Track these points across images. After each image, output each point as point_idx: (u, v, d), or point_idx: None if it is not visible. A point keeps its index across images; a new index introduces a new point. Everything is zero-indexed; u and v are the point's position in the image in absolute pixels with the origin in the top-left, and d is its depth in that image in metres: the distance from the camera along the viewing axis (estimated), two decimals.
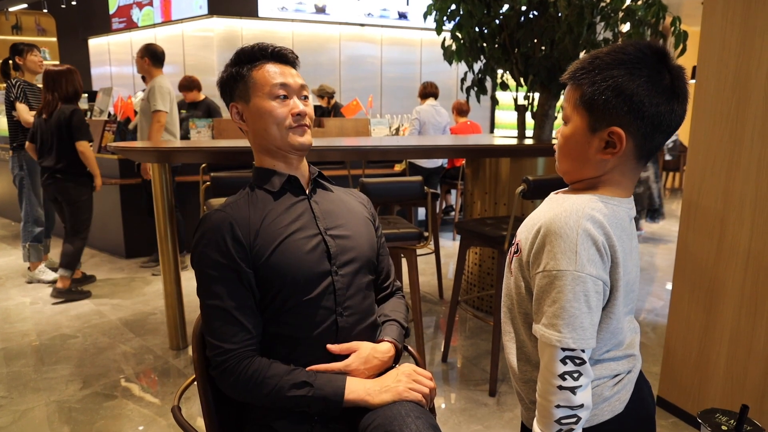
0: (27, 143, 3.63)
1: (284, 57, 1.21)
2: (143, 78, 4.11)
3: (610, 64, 0.89)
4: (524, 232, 0.97)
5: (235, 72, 1.19)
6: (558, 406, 0.89)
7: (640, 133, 0.90)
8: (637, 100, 0.88)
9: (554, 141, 3.29)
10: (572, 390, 0.88)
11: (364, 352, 1.15)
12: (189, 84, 5.03)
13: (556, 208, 0.91)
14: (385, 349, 1.19)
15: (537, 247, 0.91)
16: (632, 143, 0.91)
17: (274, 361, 1.10)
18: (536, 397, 0.93)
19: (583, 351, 0.88)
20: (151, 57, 3.89)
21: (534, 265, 0.92)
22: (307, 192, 1.23)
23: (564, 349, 0.87)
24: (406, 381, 1.12)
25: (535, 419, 0.94)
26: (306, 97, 1.22)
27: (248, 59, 1.19)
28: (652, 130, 0.90)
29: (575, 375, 0.88)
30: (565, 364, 0.88)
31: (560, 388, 0.88)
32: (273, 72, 1.18)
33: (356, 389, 1.08)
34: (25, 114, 3.69)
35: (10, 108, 3.74)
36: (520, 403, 1.07)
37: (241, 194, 1.21)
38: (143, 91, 4.13)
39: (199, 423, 2.14)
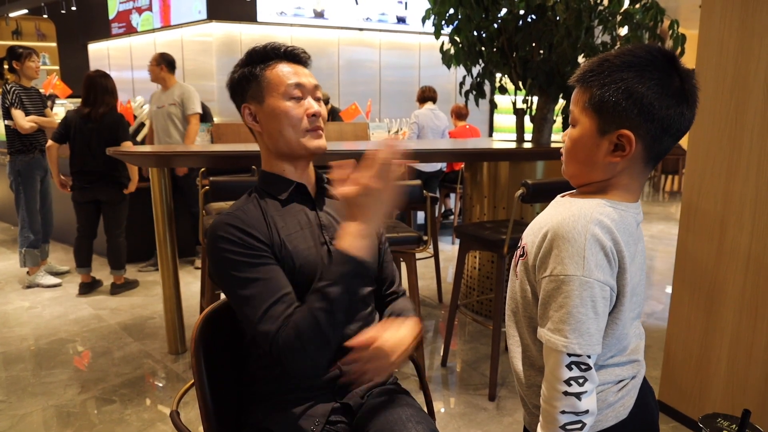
0: (50, 142, 3.62)
1: (297, 57, 1.19)
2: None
3: (620, 67, 0.88)
4: (530, 236, 0.96)
5: (247, 72, 1.17)
6: (563, 412, 0.88)
7: (649, 136, 0.89)
8: (648, 103, 0.87)
9: (554, 144, 3.29)
10: (577, 396, 0.87)
11: (387, 341, 1.07)
12: None
13: (563, 212, 0.91)
14: (410, 324, 1.14)
15: (544, 251, 0.91)
16: (641, 146, 0.90)
17: (301, 307, 1.04)
18: (540, 402, 0.92)
19: (588, 357, 0.87)
20: (168, 65, 4.12)
21: (540, 269, 0.91)
22: (313, 200, 1.23)
23: (570, 355, 0.87)
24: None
25: (539, 424, 0.93)
26: (319, 98, 1.20)
27: (261, 59, 1.17)
28: (661, 133, 0.90)
29: (581, 381, 0.87)
30: (570, 369, 0.87)
31: (565, 393, 0.87)
32: (287, 72, 1.16)
33: (345, 243, 1.02)
34: (21, 120, 3.66)
35: (5, 114, 3.71)
36: (523, 407, 1.06)
37: (248, 199, 1.18)
38: (152, 97, 4.20)
39: (198, 427, 2.13)
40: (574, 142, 0.95)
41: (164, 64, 4.09)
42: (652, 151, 0.92)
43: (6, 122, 3.70)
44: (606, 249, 0.87)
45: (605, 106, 0.89)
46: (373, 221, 1.02)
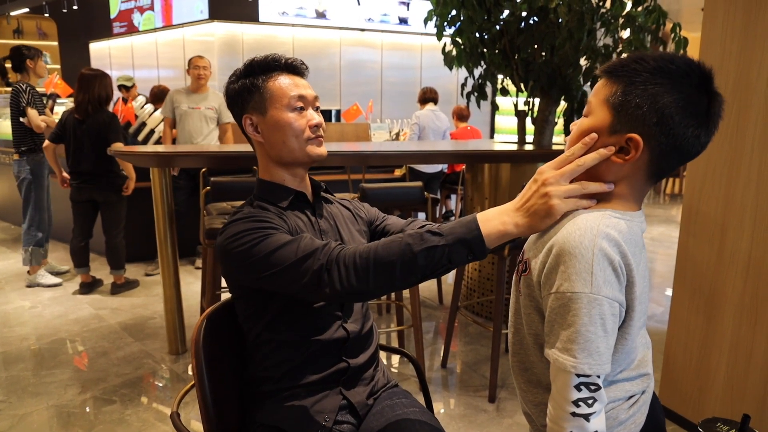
0: (47, 143, 3.65)
1: (297, 68, 1.21)
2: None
3: (654, 70, 0.85)
4: (533, 250, 0.93)
5: (249, 83, 1.17)
6: None
7: (659, 149, 0.87)
8: (668, 114, 0.84)
9: (556, 146, 3.29)
10: (586, 417, 0.84)
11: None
12: (161, 94, 5.08)
13: (568, 226, 0.87)
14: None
15: (549, 266, 0.87)
16: (647, 156, 0.87)
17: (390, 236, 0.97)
18: (547, 421, 0.90)
19: (598, 376, 0.85)
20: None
21: (546, 286, 0.88)
22: (312, 206, 1.25)
23: (579, 375, 0.83)
24: (551, 186, 0.87)
25: None
26: (318, 108, 1.22)
27: (262, 70, 1.18)
28: (671, 149, 0.87)
29: (590, 401, 0.84)
30: (579, 390, 0.84)
31: (573, 414, 0.84)
32: (288, 84, 1.17)
33: (490, 218, 0.90)
34: (37, 119, 3.71)
35: (19, 113, 3.74)
36: (529, 424, 1.03)
37: (252, 207, 1.19)
38: (176, 95, 4.25)
39: (198, 428, 2.14)
40: (582, 134, 0.91)
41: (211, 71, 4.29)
42: (657, 166, 0.89)
43: (21, 120, 3.74)
44: (614, 264, 0.84)
45: (626, 105, 0.86)
46: (519, 210, 0.89)
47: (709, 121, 0.87)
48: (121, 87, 5.80)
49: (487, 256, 0.91)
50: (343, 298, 0.98)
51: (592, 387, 0.84)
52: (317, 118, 1.19)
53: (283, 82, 1.17)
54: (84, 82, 3.55)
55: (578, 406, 0.84)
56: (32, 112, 3.70)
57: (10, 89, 3.83)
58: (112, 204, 3.72)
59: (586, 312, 0.83)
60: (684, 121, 0.85)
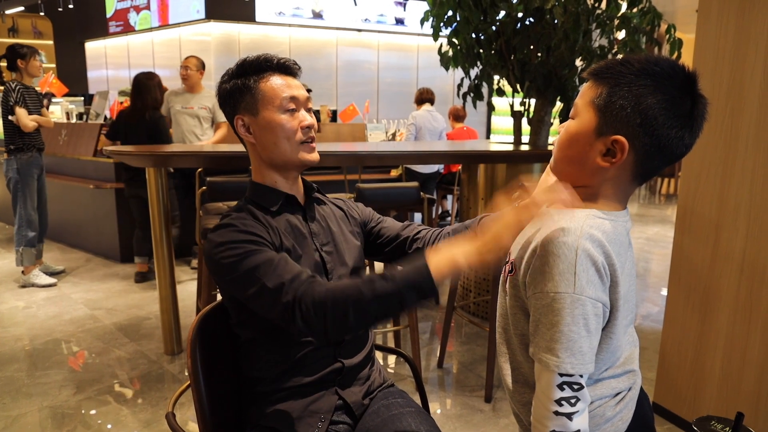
0: (103, 139, 3.93)
1: (289, 69, 1.20)
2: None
3: (638, 72, 0.86)
4: (519, 251, 0.94)
5: (241, 84, 1.17)
6: None
7: (643, 150, 0.87)
8: (652, 116, 0.85)
9: (551, 146, 3.30)
10: (569, 416, 0.85)
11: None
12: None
13: (552, 226, 0.87)
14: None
15: (534, 267, 0.88)
16: (632, 158, 0.88)
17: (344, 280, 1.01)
18: (531, 420, 0.91)
19: (581, 376, 0.85)
20: (204, 70, 4.35)
21: (530, 286, 0.88)
22: (303, 209, 1.24)
23: (562, 375, 0.85)
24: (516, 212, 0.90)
25: None
26: (310, 109, 1.22)
27: (254, 70, 1.17)
28: (655, 150, 0.88)
29: (572, 400, 0.85)
30: (562, 389, 0.85)
31: (556, 413, 0.85)
32: (280, 84, 1.16)
33: (437, 256, 0.94)
34: (25, 119, 3.72)
35: (8, 111, 3.75)
36: (518, 423, 1.04)
37: (240, 209, 1.19)
38: (170, 95, 4.27)
39: (194, 428, 2.13)
40: (569, 136, 0.92)
41: (203, 69, 4.31)
42: (642, 167, 0.90)
43: (10, 118, 3.76)
44: (597, 264, 0.84)
45: (610, 107, 0.87)
46: (476, 247, 0.92)
47: (693, 122, 0.88)
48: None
49: (437, 294, 0.97)
50: (310, 335, 1.01)
51: (575, 386, 0.85)
52: (309, 119, 1.18)
53: (276, 82, 1.16)
54: (141, 86, 3.77)
55: (561, 405, 0.85)
56: (20, 111, 3.71)
57: (2, 87, 3.88)
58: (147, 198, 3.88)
59: (569, 312, 0.84)
60: (668, 122, 0.86)
